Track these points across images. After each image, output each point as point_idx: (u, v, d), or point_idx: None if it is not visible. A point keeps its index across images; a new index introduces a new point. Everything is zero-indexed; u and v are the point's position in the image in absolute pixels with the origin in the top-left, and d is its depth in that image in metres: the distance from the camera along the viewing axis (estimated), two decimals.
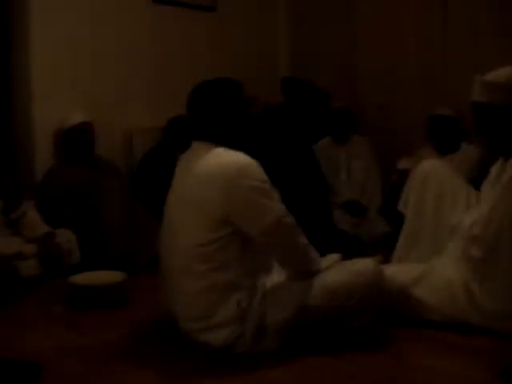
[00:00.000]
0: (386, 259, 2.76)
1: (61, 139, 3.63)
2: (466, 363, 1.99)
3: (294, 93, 4.32)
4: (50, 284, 2.94)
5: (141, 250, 3.27)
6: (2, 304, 2.65)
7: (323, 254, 2.19)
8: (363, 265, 2.13)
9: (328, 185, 4.04)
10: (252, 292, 2.02)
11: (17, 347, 2.15)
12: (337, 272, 2.10)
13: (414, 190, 2.64)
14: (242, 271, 1.99)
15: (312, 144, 4.12)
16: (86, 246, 3.16)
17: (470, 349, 2.10)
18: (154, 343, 2.22)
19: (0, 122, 3.45)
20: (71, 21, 3.70)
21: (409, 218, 2.65)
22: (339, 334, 2.12)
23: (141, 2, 4.09)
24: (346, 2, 4.67)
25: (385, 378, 1.90)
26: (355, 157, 4.17)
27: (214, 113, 2.03)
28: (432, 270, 2.36)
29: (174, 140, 3.85)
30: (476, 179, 3.47)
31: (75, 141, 3.55)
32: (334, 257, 2.24)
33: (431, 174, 2.62)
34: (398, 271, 2.38)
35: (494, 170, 2.35)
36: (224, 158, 1.97)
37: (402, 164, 3.85)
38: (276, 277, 2.13)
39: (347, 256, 2.29)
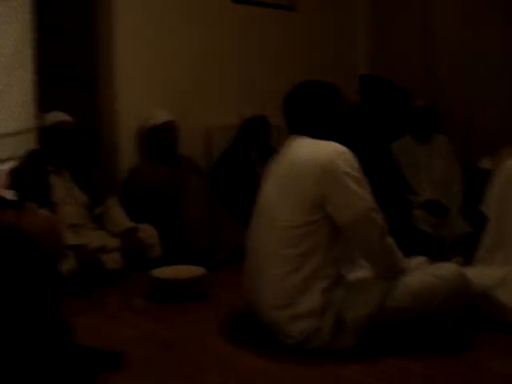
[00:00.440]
0: (468, 260, 2.70)
1: (145, 137, 3.73)
2: None
3: (373, 91, 4.28)
4: (133, 277, 3.04)
5: (219, 246, 3.33)
6: (86, 295, 2.77)
7: (405, 255, 2.16)
8: (448, 269, 2.11)
9: (408, 184, 3.97)
10: (336, 283, 2.03)
11: (100, 337, 2.23)
12: (421, 275, 2.08)
13: (498, 190, 2.56)
14: (328, 259, 2.02)
15: (391, 142, 4.07)
16: (167, 242, 3.24)
17: None
18: (231, 338, 2.25)
19: (85, 120, 3.58)
20: (154, 21, 3.80)
21: (492, 219, 2.57)
22: (420, 336, 2.09)
23: (222, 1, 4.15)
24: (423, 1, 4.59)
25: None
26: (436, 156, 4.08)
27: (310, 111, 2.14)
28: None
29: (250, 139, 3.90)
30: None
31: (159, 139, 3.64)
32: (420, 259, 2.21)
33: None
34: (480, 273, 2.33)
35: None
36: (321, 145, 2.05)
37: (484, 163, 3.75)
38: (361, 272, 2.13)
39: (429, 257, 2.26)
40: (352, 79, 4.56)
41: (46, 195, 3.02)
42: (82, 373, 1.55)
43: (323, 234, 2.00)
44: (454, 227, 3.81)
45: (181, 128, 3.74)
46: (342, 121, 2.18)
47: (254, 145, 3.93)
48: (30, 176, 3.04)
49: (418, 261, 2.20)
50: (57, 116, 3.18)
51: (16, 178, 3.05)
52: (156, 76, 3.84)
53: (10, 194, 2.25)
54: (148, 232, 3.22)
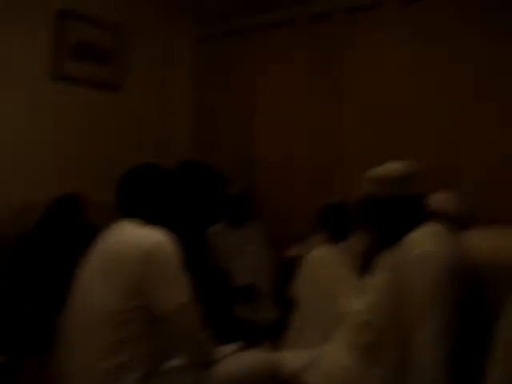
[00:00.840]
0: (277, 345, 2.77)
1: None
2: None
3: (193, 177, 4.37)
4: None
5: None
6: None
7: (220, 342, 2.17)
8: (257, 356, 2.15)
9: (223, 269, 4.04)
10: (150, 373, 1.96)
11: None
12: (231, 363, 2.09)
13: (304, 277, 2.70)
14: (144, 349, 1.95)
15: (208, 228, 4.15)
16: None
17: None
18: None
19: None
20: None
21: (298, 305, 2.69)
22: None
23: (41, 79, 4.10)
24: (246, 94, 4.85)
25: None
26: (249, 241, 4.21)
27: (144, 194, 2.15)
28: (323, 357, 2.38)
29: (60, 216, 3.74)
30: (363, 267, 3.62)
31: None
32: (232, 347, 2.22)
33: (320, 262, 2.70)
34: (289, 358, 2.39)
35: (382, 258, 2.45)
36: (145, 232, 2.01)
37: (293, 251, 3.95)
38: (176, 361, 2.08)
39: (241, 342, 2.28)
40: (174, 161, 4.64)
41: None
42: None
43: (140, 323, 1.94)
44: (265, 312, 3.91)
45: None
46: (174, 207, 2.19)
47: (65, 223, 3.77)
48: None
49: (231, 348, 2.21)
50: None
51: None
52: None
53: None
54: None
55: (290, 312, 2.75)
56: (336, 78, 4.34)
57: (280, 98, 4.68)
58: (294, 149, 4.57)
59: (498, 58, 3.54)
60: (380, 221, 2.28)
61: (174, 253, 1.98)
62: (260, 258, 4.20)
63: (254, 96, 4.81)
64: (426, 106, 3.86)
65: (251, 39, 4.86)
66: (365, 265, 3.54)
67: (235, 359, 2.13)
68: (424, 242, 2.07)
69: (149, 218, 2.11)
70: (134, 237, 1.99)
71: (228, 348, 2.23)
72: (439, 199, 3.06)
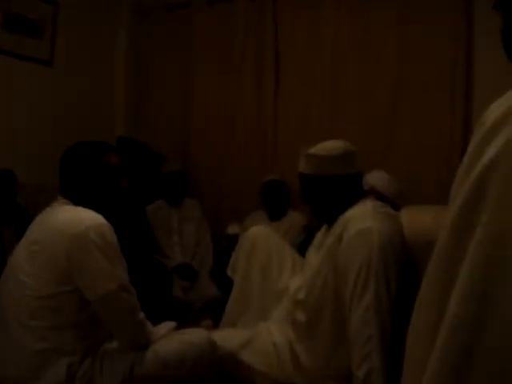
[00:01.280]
0: (217, 324, 2.77)
1: None
2: None
3: (129, 154, 4.29)
4: None
5: None
6: None
7: (155, 320, 2.14)
8: (196, 335, 2.13)
9: (160, 248, 4.01)
10: (86, 355, 1.92)
11: None
12: (169, 341, 2.07)
13: (242, 256, 2.70)
14: (78, 333, 1.90)
15: (145, 206, 4.09)
16: None
17: None
18: None
19: None
20: None
21: (237, 284, 2.69)
22: None
23: None
24: (185, 66, 4.77)
25: None
26: (187, 220, 4.19)
27: (74, 174, 2.06)
28: (258, 335, 2.40)
29: None
30: (301, 245, 3.66)
31: None
32: (168, 325, 2.21)
33: (258, 240, 2.70)
34: (226, 336, 2.39)
35: (319, 236, 2.47)
36: (78, 213, 1.95)
37: (232, 229, 3.96)
38: (114, 343, 2.05)
39: (178, 322, 2.27)
40: (110, 140, 4.53)
41: None
42: None
43: (73, 308, 1.89)
44: (204, 291, 3.91)
45: None
46: (108, 186, 2.11)
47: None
48: None
49: (166, 326, 2.19)
50: None
51: None
52: None
53: None
54: None
55: (229, 291, 2.75)
56: (270, 51, 4.35)
57: (217, 72, 4.62)
58: (233, 124, 4.53)
59: None
60: (318, 198, 2.30)
61: (108, 235, 1.91)
62: (199, 236, 4.19)
63: (191, 70, 4.73)
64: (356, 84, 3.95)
65: (188, 13, 4.77)
66: (304, 242, 3.59)
67: (174, 338, 2.11)
68: (359, 219, 2.09)
69: (82, 198, 2.04)
70: (65, 220, 1.92)
71: (165, 326, 2.20)
72: (374, 177, 3.11)
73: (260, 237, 2.72)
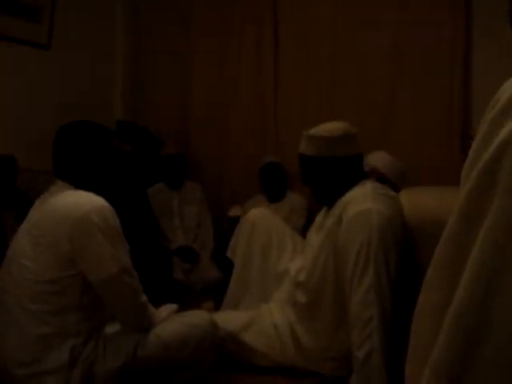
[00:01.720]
0: (218, 305, 2.78)
1: None
2: None
3: (129, 137, 4.28)
4: None
5: None
6: None
7: (157, 303, 2.15)
8: (198, 317, 2.14)
9: (161, 231, 4.02)
10: (89, 338, 1.93)
11: None
12: (172, 324, 2.07)
13: (242, 238, 2.71)
14: (81, 317, 1.91)
15: (145, 189, 4.09)
16: None
17: None
18: None
19: None
20: None
21: (238, 266, 2.70)
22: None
23: None
24: (184, 54, 4.74)
25: None
26: (188, 203, 4.19)
27: (74, 155, 2.01)
28: (260, 316, 2.41)
29: None
30: (302, 226, 3.67)
31: None
32: (170, 307, 2.21)
33: (258, 222, 2.71)
34: (227, 318, 2.41)
35: (319, 217, 2.47)
36: (79, 197, 1.93)
37: (233, 211, 3.96)
38: (117, 325, 2.06)
39: (180, 304, 2.28)
40: (109, 123, 4.51)
41: None
42: None
43: (76, 292, 1.89)
44: (206, 273, 3.92)
45: None
46: (113, 167, 2.09)
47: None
48: None
49: (168, 309, 2.20)
50: None
51: None
52: None
53: None
54: None
55: (230, 273, 2.76)
56: (269, 27, 4.33)
57: (217, 49, 4.58)
58: (234, 107, 4.51)
59: None
60: (318, 180, 2.29)
61: (110, 218, 1.91)
62: (200, 219, 4.20)
63: (191, 50, 4.69)
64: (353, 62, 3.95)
65: None
66: (306, 224, 3.60)
67: (175, 320, 2.12)
68: (359, 200, 2.09)
69: (84, 181, 2.02)
70: (67, 204, 1.91)
71: (166, 308, 2.21)
72: (375, 158, 3.10)
73: (260, 219, 2.73)
